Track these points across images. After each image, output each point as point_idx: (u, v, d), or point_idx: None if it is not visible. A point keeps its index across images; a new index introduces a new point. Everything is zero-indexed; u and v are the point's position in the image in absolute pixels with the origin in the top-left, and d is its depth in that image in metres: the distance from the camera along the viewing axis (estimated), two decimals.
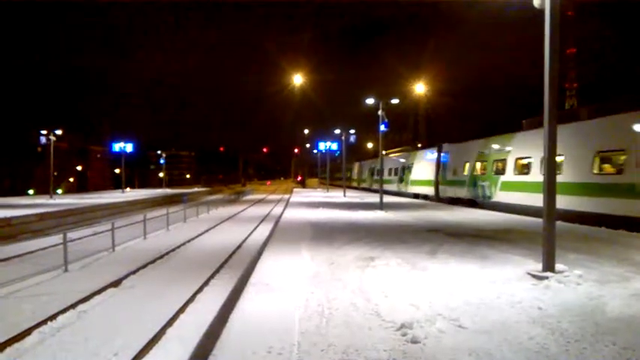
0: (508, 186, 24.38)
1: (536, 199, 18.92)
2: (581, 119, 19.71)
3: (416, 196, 38.60)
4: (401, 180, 43.41)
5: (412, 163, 40.85)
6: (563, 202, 16.63)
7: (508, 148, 24.87)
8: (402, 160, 44.29)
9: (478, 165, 28.31)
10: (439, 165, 34.07)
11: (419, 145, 52.01)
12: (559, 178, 16.28)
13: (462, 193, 29.95)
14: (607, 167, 17.77)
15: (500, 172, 25.28)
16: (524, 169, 23.11)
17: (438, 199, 33.61)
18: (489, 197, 26.30)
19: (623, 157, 16.65)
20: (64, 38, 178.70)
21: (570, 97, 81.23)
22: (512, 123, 27.09)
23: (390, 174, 47.02)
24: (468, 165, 29.51)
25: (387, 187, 42.52)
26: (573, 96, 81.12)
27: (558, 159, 17.11)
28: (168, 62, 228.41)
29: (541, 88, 9.11)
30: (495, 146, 26.62)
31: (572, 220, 17.49)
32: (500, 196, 25.00)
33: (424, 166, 37.71)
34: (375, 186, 52.33)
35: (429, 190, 35.61)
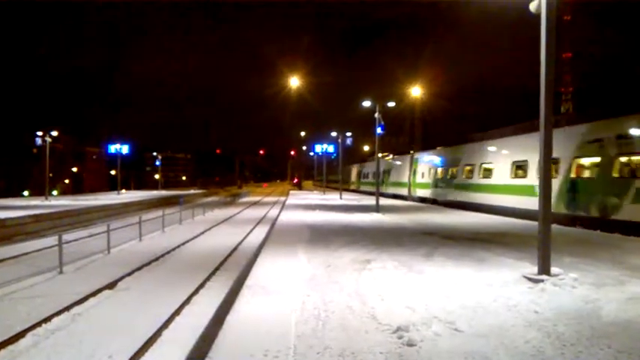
0: (459, 187, 30.01)
1: (479, 198, 26.93)
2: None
3: (394, 196, 43.28)
4: (382, 182, 46.24)
5: (390, 169, 47.68)
6: (492, 199, 25.32)
7: (459, 157, 30.96)
8: (383, 165, 47.52)
9: (439, 170, 34.32)
10: (411, 170, 40.39)
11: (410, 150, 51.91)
12: (491, 181, 26.19)
13: (427, 193, 36.02)
14: (520, 173, 23.21)
15: (454, 176, 31.14)
16: (470, 174, 28.82)
17: (411, 199, 39.34)
18: (445, 196, 32.03)
19: (525, 166, 22.57)
20: (61, 39, 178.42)
21: (566, 101, 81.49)
22: (509, 123, 27.55)
23: (372, 177, 51.69)
24: (431, 170, 35.76)
25: (370, 188, 49.37)
26: (569, 100, 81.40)
27: (491, 166, 26.29)
28: (165, 64, 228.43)
29: (537, 90, 9.14)
30: (450, 156, 32.96)
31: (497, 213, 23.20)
32: (454, 195, 30.51)
33: (401, 170, 43.94)
34: (363, 187, 58.73)
35: (404, 191, 41.60)
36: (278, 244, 14.11)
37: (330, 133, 55.24)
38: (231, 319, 6.97)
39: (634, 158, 16.72)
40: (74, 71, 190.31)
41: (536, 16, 9.13)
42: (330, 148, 57.90)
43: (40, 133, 42.11)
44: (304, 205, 33.33)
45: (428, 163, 37.14)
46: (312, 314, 7.01)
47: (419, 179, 38.68)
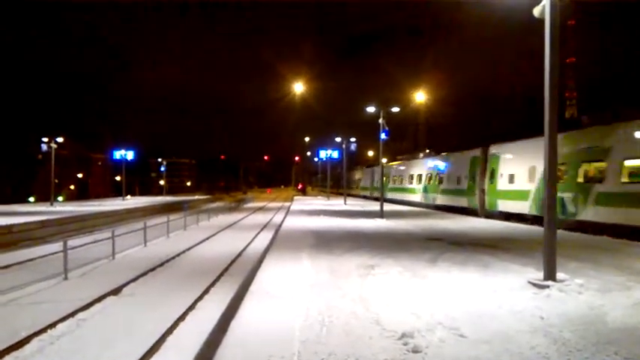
0: (413, 191, 39.81)
1: (422, 198, 37.27)
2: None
3: (375, 198, 47.10)
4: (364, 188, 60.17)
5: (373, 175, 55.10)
6: (446, 199, 32.54)
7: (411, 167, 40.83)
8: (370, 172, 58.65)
9: (405, 177, 42.65)
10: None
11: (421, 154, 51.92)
12: (444, 186, 33.10)
13: (399, 196, 43.77)
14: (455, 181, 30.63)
15: (411, 182, 40.63)
16: (419, 179, 38.34)
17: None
18: (408, 198, 40.86)
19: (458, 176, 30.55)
20: (66, 46, 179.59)
21: (570, 106, 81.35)
22: (512, 131, 27.59)
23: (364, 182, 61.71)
24: (396, 177, 45.68)
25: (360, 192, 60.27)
26: (573, 105, 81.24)
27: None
28: (170, 71, 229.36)
29: (541, 96, 9.13)
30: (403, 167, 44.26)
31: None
32: (411, 197, 40.20)
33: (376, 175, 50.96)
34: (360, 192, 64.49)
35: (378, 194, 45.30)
36: (282, 250, 14.10)
37: (334, 139, 55.33)
38: (235, 324, 6.96)
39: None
40: (76, 79, 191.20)
41: (540, 21, 9.13)
42: (335, 154, 57.87)
43: (45, 140, 42.31)
44: (308, 211, 33.32)
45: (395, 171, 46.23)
46: (316, 320, 6.99)
47: (390, 185, 47.19)
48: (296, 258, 12.54)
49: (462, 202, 29.84)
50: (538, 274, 9.32)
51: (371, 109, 27.47)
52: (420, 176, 38.82)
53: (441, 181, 34.06)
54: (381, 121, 26.76)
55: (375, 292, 8.62)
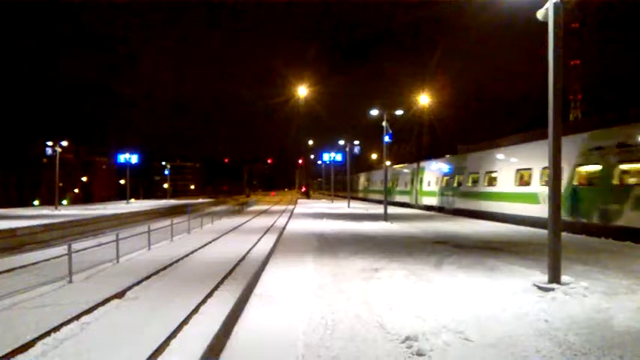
0: (396, 192, 47.11)
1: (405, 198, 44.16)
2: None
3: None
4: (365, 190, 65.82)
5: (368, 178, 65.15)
6: (399, 197, 44.83)
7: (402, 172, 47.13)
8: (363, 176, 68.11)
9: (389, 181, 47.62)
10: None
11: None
12: (398, 188, 47.65)
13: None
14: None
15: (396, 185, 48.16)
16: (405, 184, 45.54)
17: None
18: (394, 199, 46.14)
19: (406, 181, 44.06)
20: (69, 50, 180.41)
21: (575, 108, 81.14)
22: (515, 133, 27.79)
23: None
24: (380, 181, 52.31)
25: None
26: (578, 107, 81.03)
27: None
28: (174, 75, 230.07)
29: (545, 99, 9.11)
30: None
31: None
32: (396, 198, 46.27)
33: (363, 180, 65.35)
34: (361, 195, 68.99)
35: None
36: (286, 253, 14.09)
37: (338, 142, 55.34)
38: (239, 328, 6.96)
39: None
40: (82, 82, 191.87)
41: (544, 24, 9.12)
42: (339, 157, 57.87)
43: (50, 143, 42.42)
44: (312, 214, 33.31)
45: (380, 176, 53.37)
46: (320, 323, 6.98)
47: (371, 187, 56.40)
48: (300, 261, 12.52)
49: (406, 199, 44.01)
50: (543, 277, 9.29)
51: (374, 112, 27.45)
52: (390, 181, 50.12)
53: (398, 184, 48.05)
54: (384, 124, 26.73)
55: (380, 296, 8.60)
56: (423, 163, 40.46)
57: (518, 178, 23.99)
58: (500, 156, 26.73)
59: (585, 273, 10.13)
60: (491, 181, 27.11)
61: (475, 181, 29.27)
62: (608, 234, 16.54)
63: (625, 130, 17.38)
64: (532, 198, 21.89)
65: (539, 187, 21.44)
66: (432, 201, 37.29)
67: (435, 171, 37.12)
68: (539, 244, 14.21)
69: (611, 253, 12.98)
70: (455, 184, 32.44)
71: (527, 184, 22.80)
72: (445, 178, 34.45)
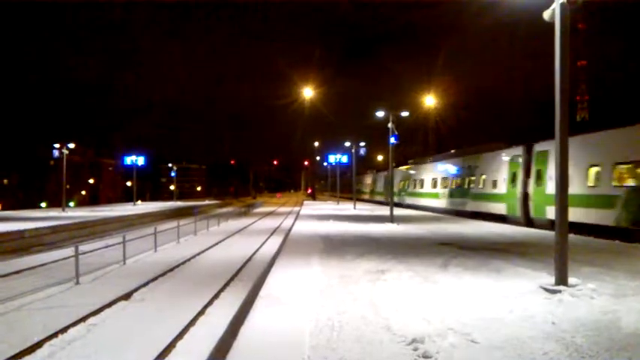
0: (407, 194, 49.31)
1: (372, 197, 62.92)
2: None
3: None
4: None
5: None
6: (378, 198, 59.80)
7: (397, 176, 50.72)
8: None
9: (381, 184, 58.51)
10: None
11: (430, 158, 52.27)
12: (377, 190, 63.05)
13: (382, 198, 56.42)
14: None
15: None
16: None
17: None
18: (386, 200, 47.34)
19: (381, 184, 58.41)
20: (76, 52, 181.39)
21: (582, 109, 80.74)
22: (522, 134, 27.73)
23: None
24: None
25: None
26: (585, 108, 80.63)
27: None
28: (180, 77, 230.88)
29: (552, 100, 9.07)
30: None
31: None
32: (407, 200, 46.99)
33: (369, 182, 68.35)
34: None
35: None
36: (292, 255, 14.10)
37: (343, 143, 55.36)
38: (245, 330, 6.97)
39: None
40: (89, 84, 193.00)
41: (551, 25, 9.09)
42: (344, 158, 57.84)
43: (57, 145, 42.64)
44: (318, 216, 33.32)
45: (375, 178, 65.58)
46: (327, 325, 6.98)
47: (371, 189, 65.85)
48: (306, 263, 12.53)
49: (381, 198, 56.06)
50: (550, 279, 9.24)
51: (380, 114, 27.43)
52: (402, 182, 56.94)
53: (377, 186, 60.92)
54: (390, 125, 26.70)
55: (386, 298, 8.59)
56: (397, 170, 48.95)
57: (432, 183, 39.87)
58: (427, 167, 42.67)
59: (592, 275, 10.07)
60: (419, 186, 43.35)
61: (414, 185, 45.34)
62: (615, 236, 16.40)
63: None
64: (436, 195, 38.31)
65: (440, 190, 37.60)
66: (400, 199, 47.28)
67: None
68: (546, 246, 14.15)
69: (618, 255, 12.91)
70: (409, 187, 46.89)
71: (435, 186, 38.88)
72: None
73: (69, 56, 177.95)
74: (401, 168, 50.68)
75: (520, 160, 24.44)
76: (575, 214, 16.51)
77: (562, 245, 8.89)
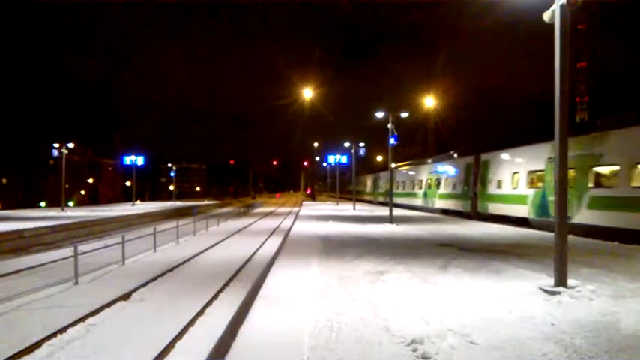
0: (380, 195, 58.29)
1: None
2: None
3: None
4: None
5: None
6: (406, 200, 46.17)
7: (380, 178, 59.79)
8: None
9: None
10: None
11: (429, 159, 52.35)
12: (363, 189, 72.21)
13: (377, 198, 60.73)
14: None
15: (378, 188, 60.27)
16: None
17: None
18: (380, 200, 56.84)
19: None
20: (72, 50, 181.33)
21: (581, 110, 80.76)
22: (522, 134, 27.74)
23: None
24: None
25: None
26: (584, 109, 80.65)
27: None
28: (180, 77, 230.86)
29: (551, 101, 9.08)
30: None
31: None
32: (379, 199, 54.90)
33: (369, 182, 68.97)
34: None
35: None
36: (291, 255, 14.10)
37: (343, 144, 55.36)
38: (244, 330, 6.96)
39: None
40: (88, 83, 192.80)
41: (550, 26, 9.09)
42: (344, 159, 57.82)
43: (56, 145, 42.63)
44: (317, 216, 33.32)
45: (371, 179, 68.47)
46: (326, 325, 6.98)
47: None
48: (305, 263, 12.52)
49: (369, 198, 64.66)
50: (549, 280, 9.24)
51: (380, 115, 27.43)
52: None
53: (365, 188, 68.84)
54: (389, 126, 26.69)
55: (385, 298, 8.59)
56: (379, 174, 59.08)
57: (410, 185, 45.66)
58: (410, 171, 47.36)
59: (592, 276, 10.08)
60: (401, 187, 48.70)
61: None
62: (614, 238, 16.41)
63: None
64: (414, 195, 43.75)
65: (417, 190, 43.33)
66: (383, 199, 54.12)
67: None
68: (545, 247, 14.15)
69: (618, 256, 12.92)
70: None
71: (413, 188, 44.66)
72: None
73: (69, 56, 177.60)
74: (399, 169, 50.75)
75: (471, 167, 30.73)
76: (508, 210, 25.39)
77: (561, 246, 8.89)
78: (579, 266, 10.96)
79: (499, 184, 26.66)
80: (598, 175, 18.65)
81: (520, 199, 23.94)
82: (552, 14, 9.04)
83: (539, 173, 22.82)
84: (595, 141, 18.60)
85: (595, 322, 6.96)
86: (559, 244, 8.92)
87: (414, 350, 5.90)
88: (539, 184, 22.63)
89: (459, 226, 23.84)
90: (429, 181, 40.30)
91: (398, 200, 45.71)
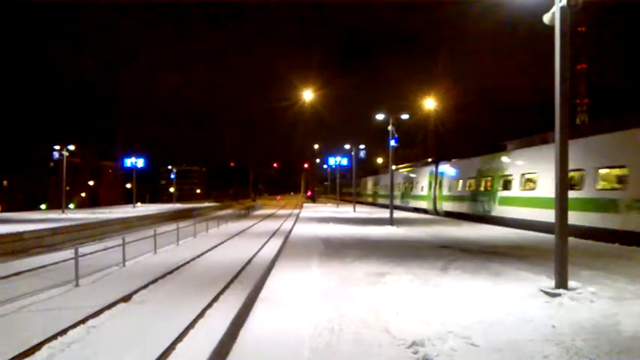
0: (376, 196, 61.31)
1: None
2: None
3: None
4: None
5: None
6: (383, 200, 54.15)
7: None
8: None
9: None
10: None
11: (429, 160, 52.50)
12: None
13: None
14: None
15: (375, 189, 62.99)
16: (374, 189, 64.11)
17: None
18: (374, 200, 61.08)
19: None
20: (72, 51, 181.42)
21: (581, 112, 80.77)
22: (520, 135, 28.18)
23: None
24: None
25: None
26: (584, 112, 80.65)
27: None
28: (180, 79, 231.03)
29: (551, 103, 9.08)
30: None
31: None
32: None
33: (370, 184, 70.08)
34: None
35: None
36: (292, 257, 14.09)
37: (343, 146, 55.35)
38: (244, 332, 6.96)
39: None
40: (89, 86, 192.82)
41: (551, 28, 9.10)
42: (344, 161, 57.81)
43: (57, 147, 42.63)
44: (318, 218, 33.30)
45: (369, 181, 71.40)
46: (326, 328, 6.97)
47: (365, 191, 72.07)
48: (305, 265, 12.52)
49: (370, 200, 65.08)
50: (550, 283, 9.23)
51: (380, 117, 27.43)
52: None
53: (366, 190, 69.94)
54: (390, 128, 26.70)
55: (386, 300, 8.58)
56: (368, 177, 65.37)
57: (397, 187, 47.62)
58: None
59: (592, 278, 10.07)
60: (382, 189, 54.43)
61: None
62: (615, 240, 16.42)
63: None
64: (395, 197, 42.80)
65: (396, 192, 45.11)
66: (372, 200, 61.71)
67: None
68: (546, 250, 14.14)
69: (618, 258, 12.90)
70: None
71: (399, 190, 47.49)
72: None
73: (69, 57, 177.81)
74: (403, 170, 50.85)
75: (433, 172, 37.90)
76: (453, 206, 33.27)
77: (562, 249, 8.88)
78: (580, 268, 10.95)
79: (450, 188, 34.39)
80: (504, 182, 26.08)
81: (461, 198, 32.37)
82: (552, 16, 9.05)
83: (471, 180, 30.95)
84: (503, 158, 27.08)
85: (596, 324, 6.95)
86: (559, 246, 8.91)
87: (415, 352, 5.89)
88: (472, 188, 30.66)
89: (459, 228, 23.82)
90: (405, 183, 47.59)
91: (382, 201, 53.36)
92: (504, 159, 26.71)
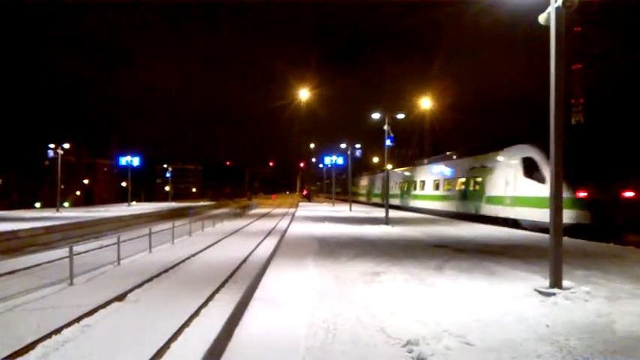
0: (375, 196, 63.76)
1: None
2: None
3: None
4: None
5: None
6: (375, 199, 61.19)
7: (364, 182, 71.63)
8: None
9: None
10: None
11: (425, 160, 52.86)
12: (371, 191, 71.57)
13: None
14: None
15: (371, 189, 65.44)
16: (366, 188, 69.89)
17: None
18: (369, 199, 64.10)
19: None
20: (70, 50, 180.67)
21: (576, 112, 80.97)
22: (517, 136, 28.17)
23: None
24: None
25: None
26: (580, 112, 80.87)
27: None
28: (176, 78, 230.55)
29: (547, 103, 9.11)
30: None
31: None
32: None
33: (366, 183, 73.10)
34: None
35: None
36: (287, 257, 14.08)
37: (339, 145, 55.32)
38: (239, 332, 6.95)
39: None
40: (84, 84, 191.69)
41: (546, 28, 9.12)
42: (340, 160, 57.76)
43: (52, 146, 42.46)
44: (313, 217, 33.29)
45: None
46: (322, 327, 6.97)
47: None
48: (301, 265, 12.51)
49: (364, 199, 66.38)
50: (544, 282, 9.27)
51: (376, 116, 27.44)
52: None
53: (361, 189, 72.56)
54: (386, 127, 26.71)
55: (381, 300, 8.59)
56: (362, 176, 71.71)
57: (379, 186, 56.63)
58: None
59: (586, 278, 10.11)
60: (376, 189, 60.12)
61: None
62: (610, 239, 16.51)
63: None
64: (377, 195, 56.06)
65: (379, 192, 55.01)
66: (365, 199, 65.62)
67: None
68: (541, 249, 14.20)
69: (613, 258, 12.96)
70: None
71: (379, 189, 54.59)
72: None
73: (65, 56, 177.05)
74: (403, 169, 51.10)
75: (409, 174, 45.71)
76: (393, 201, 44.82)
77: (556, 248, 8.91)
78: (574, 268, 10.99)
79: (414, 188, 43.05)
80: (415, 184, 41.14)
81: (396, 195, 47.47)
82: (548, 16, 9.07)
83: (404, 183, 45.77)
84: (414, 168, 43.66)
85: (590, 323, 6.98)
86: (554, 245, 8.94)
87: (410, 352, 5.90)
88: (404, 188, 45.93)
89: (454, 227, 23.87)
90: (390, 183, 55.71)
91: (375, 200, 57.33)
92: (414, 169, 43.47)
